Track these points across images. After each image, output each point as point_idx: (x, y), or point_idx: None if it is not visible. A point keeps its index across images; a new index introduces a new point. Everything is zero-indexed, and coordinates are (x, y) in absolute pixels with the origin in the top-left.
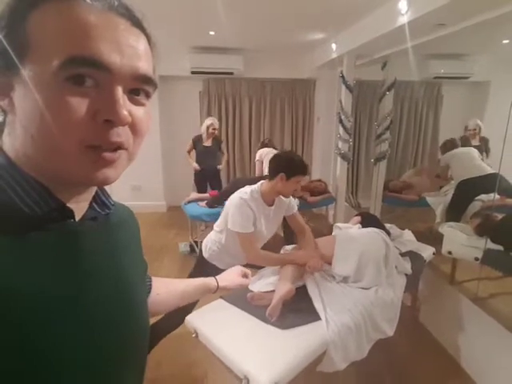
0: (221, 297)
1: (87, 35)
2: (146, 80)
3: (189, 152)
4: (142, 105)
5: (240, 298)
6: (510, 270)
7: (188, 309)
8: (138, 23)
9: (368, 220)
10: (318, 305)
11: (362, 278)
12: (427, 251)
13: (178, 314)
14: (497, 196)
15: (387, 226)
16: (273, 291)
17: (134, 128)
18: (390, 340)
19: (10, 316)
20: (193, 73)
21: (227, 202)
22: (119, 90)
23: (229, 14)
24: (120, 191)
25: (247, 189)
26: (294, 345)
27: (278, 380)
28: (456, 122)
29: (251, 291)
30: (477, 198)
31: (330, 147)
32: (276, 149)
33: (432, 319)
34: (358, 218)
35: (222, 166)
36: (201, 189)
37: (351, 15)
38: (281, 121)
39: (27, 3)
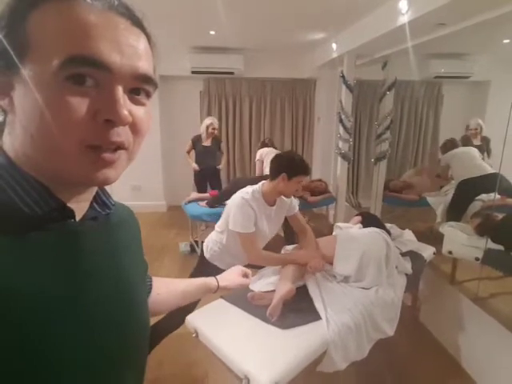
0: (221, 297)
1: (87, 35)
2: (147, 79)
3: (188, 152)
4: (143, 104)
5: (240, 298)
6: (510, 270)
7: (189, 308)
8: (138, 23)
9: (369, 220)
10: (318, 305)
11: (363, 278)
12: (427, 251)
13: (180, 314)
14: (497, 196)
15: (387, 225)
16: (273, 291)
17: (135, 128)
18: (391, 340)
19: (9, 316)
20: (193, 72)
21: (229, 203)
22: (119, 90)
23: (229, 13)
24: (120, 191)
25: (248, 189)
26: (294, 344)
27: (278, 380)
28: (456, 121)
29: (252, 291)
30: (477, 197)
31: (331, 147)
32: (276, 148)
33: (432, 319)
34: (359, 218)
35: (221, 166)
36: (201, 189)
37: (351, 15)
38: (281, 121)
39: (27, 3)
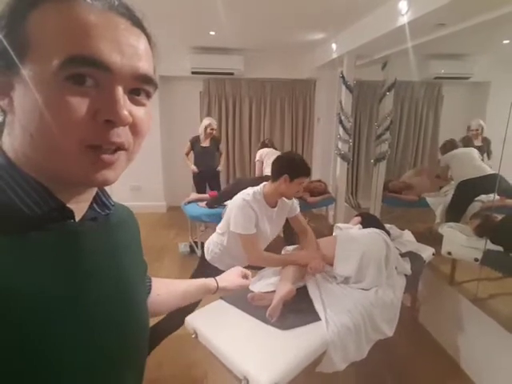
0: (221, 297)
1: (87, 35)
2: (147, 80)
3: (187, 154)
4: (143, 105)
5: (240, 299)
6: (509, 271)
7: (189, 309)
8: (138, 23)
9: (368, 220)
10: (318, 306)
11: (363, 279)
12: (427, 252)
13: (179, 315)
14: (496, 197)
15: (387, 226)
16: (273, 292)
17: (135, 128)
18: (390, 340)
19: (10, 316)
20: (193, 73)
21: (230, 204)
22: (120, 90)
23: (229, 14)
24: (120, 191)
25: (249, 190)
26: (294, 345)
27: (277, 380)
28: (456, 122)
29: (252, 292)
30: (477, 198)
31: (330, 148)
32: (276, 149)
33: (431, 320)
34: (359, 219)
35: (221, 168)
36: (200, 190)
37: (351, 15)
38: (281, 121)
39: (27, 3)
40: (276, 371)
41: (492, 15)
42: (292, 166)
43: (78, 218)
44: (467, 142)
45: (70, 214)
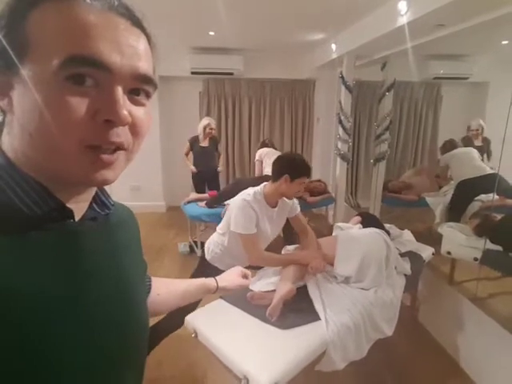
0: (221, 297)
1: (87, 35)
2: (146, 80)
3: (186, 154)
4: (143, 105)
5: (240, 298)
6: (508, 271)
7: (190, 309)
8: (138, 23)
9: (368, 220)
10: (317, 305)
11: (363, 279)
12: (426, 251)
13: (179, 315)
14: (496, 196)
15: (387, 226)
16: (273, 291)
17: (134, 128)
18: (390, 340)
19: (10, 316)
20: (193, 73)
21: (230, 204)
22: (119, 90)
23: (229, 14)
24: (119, 191)
25: (250, 190)
26: (293, 345)
27: (277, 380)
28: (455, 122)
29: (252, 291)
30: (476, 198)
31: (330, 147)
32: (276, 149)
33: (431, 319)
34: (359, 218)
35: (221, 168)
36: (199, 190)
37: (351, 15)
38: (280, 121)
39: (27, 2)
40: (276, 370)
41: (491, 16)
42: (293, 166)
43: (77, 217)
44: (467, 142)
45: (70, 213)
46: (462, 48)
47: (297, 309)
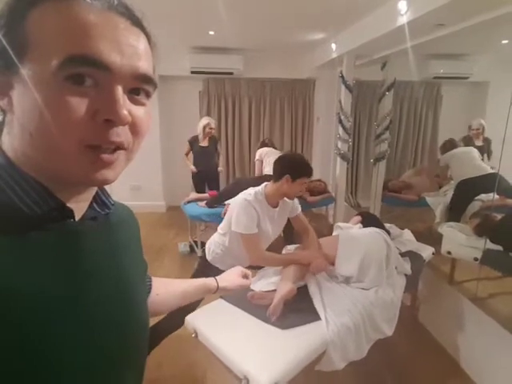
0: (221, 297)
1: (87, 34)
2: (146, 79)
3: (187, 154)
4: (142, 104)
5: (240, 298)
6: (509, 270)
7: (190, 309)
8: (137, 22)
9: (368, 220)
10: (318, 305)
11: (364, 279)
12: (427, 251)
13: (180, 315)
14: (496, 196)
15: (387, 225)
16: (274, 291)
17: (134, 128)
18: (390, 340)
19: (10, 316)
20: (193, 73)
21: (231, 204)
22: (119, 90)
23: (229, 13)
24: (119, 191)
25: (251, 190)
26: (294, 345)
27: (278, 380)
28: (455, 122)
29: (252, 291)
30: (476, 197)
31: (330, 147)
32: (276, 148)
33: (431, 319)
34: (359, 218)
35: (221, 168)
36: (199, 190)
37: (351, 15)
38: (280, 121)
39: (26, 2)
40: (276, 370)
41: (491, 15)
42: (294, 167)
43: (77, 217)
44: (468, 142)
45: (70, 213)
46: (461, 47)
47: (297, 309)
